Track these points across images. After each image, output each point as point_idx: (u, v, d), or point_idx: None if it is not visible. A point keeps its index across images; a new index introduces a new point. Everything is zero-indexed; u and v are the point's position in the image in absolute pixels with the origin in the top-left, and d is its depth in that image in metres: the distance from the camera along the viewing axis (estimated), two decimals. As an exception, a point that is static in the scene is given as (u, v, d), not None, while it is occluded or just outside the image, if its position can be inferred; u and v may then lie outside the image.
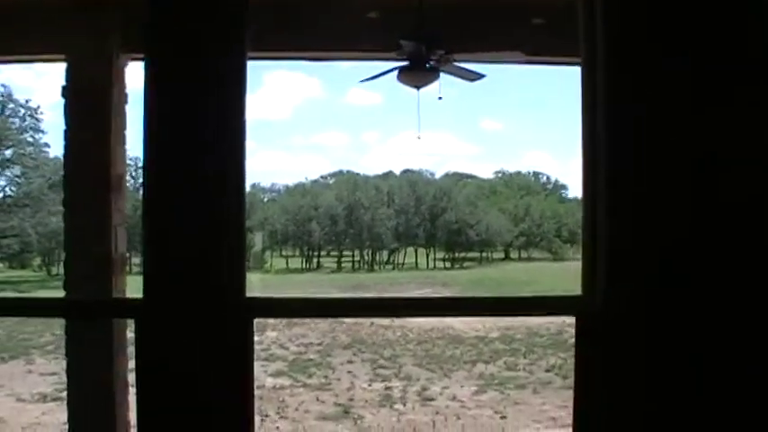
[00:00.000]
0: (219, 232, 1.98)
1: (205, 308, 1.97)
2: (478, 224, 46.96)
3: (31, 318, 18.24)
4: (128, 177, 7.71)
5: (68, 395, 5.99)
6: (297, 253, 47.67)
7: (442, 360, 19.38)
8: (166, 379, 1.99)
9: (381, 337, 22.09)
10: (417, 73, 7.67)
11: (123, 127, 6.00)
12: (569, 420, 2.12)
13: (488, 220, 47.40)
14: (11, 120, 37.91)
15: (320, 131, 69.14)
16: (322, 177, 51.53)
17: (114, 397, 5.78)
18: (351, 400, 15.61)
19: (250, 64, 2.02)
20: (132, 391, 2.08)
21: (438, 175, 51.44)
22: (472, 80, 8.28)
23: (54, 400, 14.58)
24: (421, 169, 51.62)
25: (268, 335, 21.20)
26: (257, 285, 31.89)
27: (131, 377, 2.14)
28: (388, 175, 50.33)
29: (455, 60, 7.61)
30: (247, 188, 2.14)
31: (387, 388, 16.54)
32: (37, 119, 38.29)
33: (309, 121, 60.08)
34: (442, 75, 7.85)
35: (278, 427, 13.71)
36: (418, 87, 8.11)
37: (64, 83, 5.89)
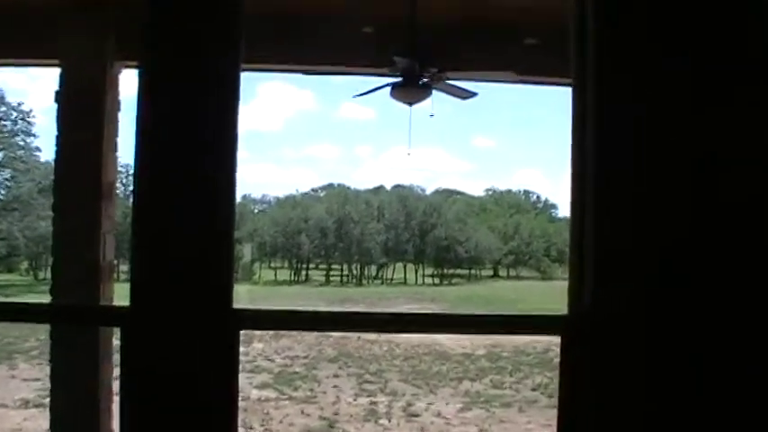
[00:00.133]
0: (208, 242, 1.97)
1: (192, 318, 1.97)
2: (468, 241, 47.06)
3: (17, 322, 18.13)
4: (118, 184, 7.70)
5: (51, 401, 5.96)
6: (285, 265, 47.63)
7: (428, 376, 19.35)
8: (151, 388, 1.98)
9: (368, 352, 22.07)
10: (410, 90, 7.70)
11: (115, 134, 6.00)
12: (553, 440, 2.12)
13: (478, 238, 47.50)
14: (2, 122, 37.87)
15: (312, 144, 69.34)
16: (313, 190, 51.64)
17: (98, 404, 5.76)
18: (336, 414, 15.56)
19: (244, 75, 2.02)
20: (116, 399, 2.06)
21: (429, 191, 51.66)
22: (464, 98, 8.32)
23: (36, 406, 14.48)
24: (412, 185, 51.90)
25: (254, 346, 21.15)
26: (245, 297, 31.82)
27: (116, 385, 2.13)
28: (379, 189, 50.46)
29: (448, 78, 7.64)
30: (238, 199, 2.15)
31: (372, 403, 16.50)
32: (29, 122, 38.31)
33: (301, 134, 60.29)
34: (434, 92, 7.88)
35: (261, 440, 13.67)
36: (411, 104, 8.14)
37: (57, 88, 5.88)
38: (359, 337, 23.02)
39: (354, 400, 16.78)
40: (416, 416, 15.53)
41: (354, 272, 46.67)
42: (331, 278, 46.11)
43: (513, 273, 49.19)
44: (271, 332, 21.79)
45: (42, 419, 9.37)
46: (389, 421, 15.22)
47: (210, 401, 1.98)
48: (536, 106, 55.66)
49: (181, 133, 1.99)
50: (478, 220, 49.39)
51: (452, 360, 21.18)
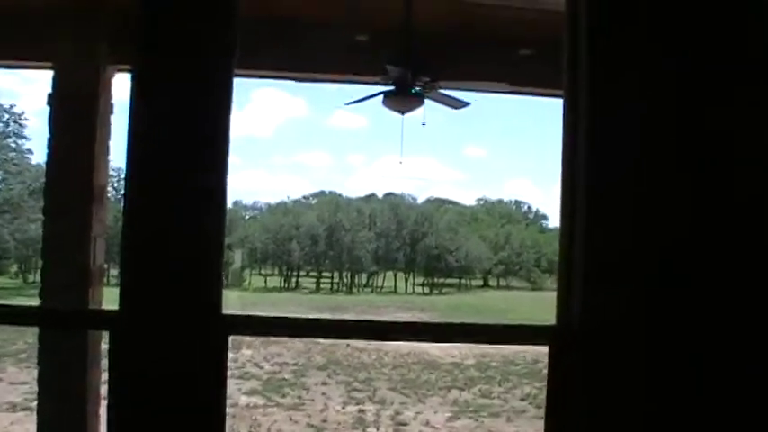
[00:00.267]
0: (198, 247, 1.97)
1: (180, 322, 1.96)
2: (458, 250, 47.06)
3: (5, 325, 18.05)
4: (110, 188, 7.68)
5: (39, 405, 5.93)
6: (276, 272, 47.54)
7: (416, 385, 19.33)
8: (139, 392, 1.98)
9: (357, 360, 22.04)
10: (402, 98, 7.70)
11: (108, 137, 5.99)
12: (541, 449, 2.13)
13: (468, 247, 47.50)
14: (-6, 125, 37.79)
15: (303, 151, 69.33)
16: (304, 197, 51.61)
17: (86, 409, 5.73)
18: (324, 421, 15.53)
19: (239, 81, 2.03)
20: (104, 403, 2.06)
21: (420, 200, 51.67)
22: (456, 108, 8.33)
23: (24, 409, 14.41)
24: (403, 193, 51.90)
25: (243, 353, 21.10)
26: (235, 303, 31.76)
27: (104, 389, 2.12)
28: (371, 197, 50.47)
29: (440, 88, 7.65)
30: (229, 205, 2.15)
31: (360, 411, 16.48)
32: (21, 124, 38.22)
33: (291, 141, 60.23)
34: (426, 101, 7.89)
35: (249, 447, 13.64)
36: (402, 112, 8.14)
37: (50, 90, 5.87)
38: (348, 345, 22.99)
39: (343, 407, 16.75)
40: (405, 424, 15.52)
41: (345, 280, 46.60)
42: (321, 286, 46.04)
43: (503, 283, 49.20)
44: (260, 339, 21.74)
45: (30, 423, 9.32)
46: (377, 430, 15.21)
47: (198, 406, 1.98)
48: (528, 117, 55.80)
49: (173, 137, 1.99)
50: (469, 230, 49.41)
51: (441, 369, 21.17)
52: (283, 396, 17.53)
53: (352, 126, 57.89)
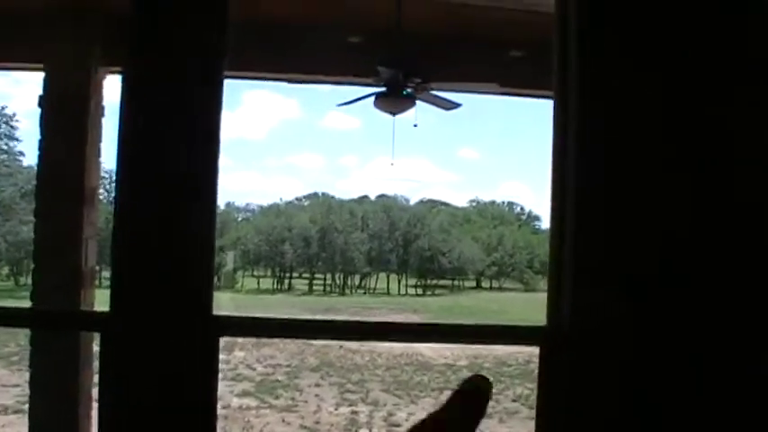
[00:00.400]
0: (189, 248, 1.97)
1: (171, 324, 1.97)
2: (451, 252, 47.02)
3: (-4, 328, 18.00)
4: (101, 190, 7.67)
5: (31, 408, 5.91)
6: (269, 273, 47.43)
7: (409, 386, 19.33)
8: (130, 394, 1.98)
9: (350, 361, 22.02)
10: (393, 100, 7.70)
11: (99, 139, 5.99)
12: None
13: (461, 249, 47.46)
14: (-15, 127, 37.66)
15: (296, 153, 69.28)
16: (297, 199, 51.47)
17: (78, 411, 5.72)
18: (317, 423, 15.52)
19: (231, 82, 2.03)
20: (96, 405, 2.06)
21: (413, 202, 51.60)
22: (448, 109, 8.34)
23: (16, 412, 14.36)
24: (396, 195, 51.79)
25: (236, 354, 21.07)
26: (228, 305, 31.69)
27: (96, 391, 2.12)
28: (364, 199, 50.39)
29: (431, 89, 7.66)
30: (222, 207, 2.15)
31: (353, 412, 16.47)
32: (12, 126, 38.09)
33: (285, 143, 60.18)
34: (418, 102, 7.89)
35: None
36: (394, 114, 8.14)
37: (41, 92, 5.86)
38: (341, 347, 22.98)
39: (335, 409, 16.74)
40: (397, 426, 15.51)
41: (337, 281, 46.52)
42: (314, 287, 45.93)
43: (496, 284, 49.15)
44: (252, 340, 21.73)
45: (22, 426, 9.29)
46: (370, 431, 15.20)
47: (189, 408, 1.98)
48: (521, 118, 55.80)
49: (163, 139, 1.99)
50: (462, 231, 49.37)
51: (434, 370, 21.17)
52: (276, 398, 17.51)
53: (344, 128, 57.85)
